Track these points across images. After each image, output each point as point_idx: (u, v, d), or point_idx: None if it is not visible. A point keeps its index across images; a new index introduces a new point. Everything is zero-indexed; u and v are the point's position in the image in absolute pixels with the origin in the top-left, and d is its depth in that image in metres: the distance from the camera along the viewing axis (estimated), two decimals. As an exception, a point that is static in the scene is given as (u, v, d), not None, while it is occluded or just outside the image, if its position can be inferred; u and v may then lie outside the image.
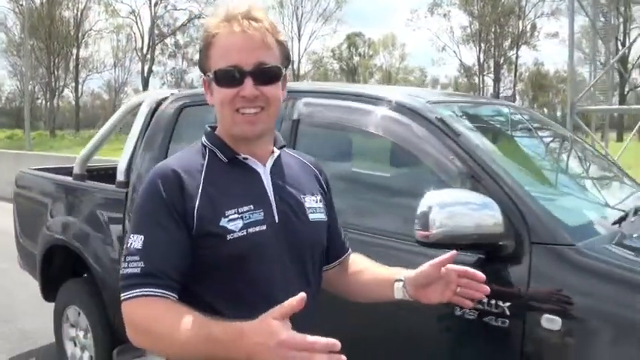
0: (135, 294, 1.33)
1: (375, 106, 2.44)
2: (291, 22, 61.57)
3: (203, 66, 1.49)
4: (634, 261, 1.88)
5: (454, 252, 1.47)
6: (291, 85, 2.95)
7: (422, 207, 1.82)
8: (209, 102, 1.51)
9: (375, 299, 1.66)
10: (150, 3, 51.66)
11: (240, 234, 1.40)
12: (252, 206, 1.43)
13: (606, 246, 1.97)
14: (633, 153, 11.95)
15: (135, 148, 3.49)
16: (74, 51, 52.27)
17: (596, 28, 11.26)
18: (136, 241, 1.37)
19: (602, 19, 13.67)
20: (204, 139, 1.53)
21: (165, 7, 52.04)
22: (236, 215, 1.41)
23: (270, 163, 1.52)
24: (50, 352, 4.25)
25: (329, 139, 2.64)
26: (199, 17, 48.15)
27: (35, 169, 4.61)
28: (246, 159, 1.49)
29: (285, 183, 1.53)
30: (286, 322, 1.15)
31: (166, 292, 1.34)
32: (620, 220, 2.21)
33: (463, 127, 2.23)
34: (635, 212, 2.30)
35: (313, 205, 1.55)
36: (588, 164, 2.97)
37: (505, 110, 2.96)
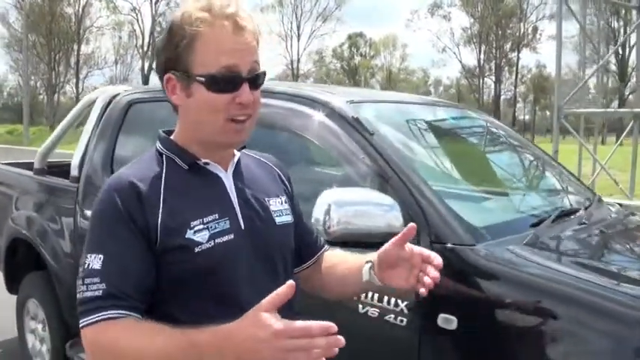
0: (97, 318, 1.23)
1: (296, 104, 2.48)
2: (290, 21, 61.63)
3: (175, 63, 1.35)
4: (527, 262, 1.90)
5: (413, 225, 1.39)
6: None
7: (321, 205, 1.86)
8: (175, 102, 1.39)
9: (351, 291, 1.63)
10: (151, 1, 51.91)
11: (207, 245, 1.32)
12: (216, 215, 1.36)
13: (511, 247, 1.97)
14: (627, 157, 11.91)
15: (88, 142, 3.55)
16: (75, 47, 52.40)
17: (585, 32, 11.28)
18: (94, 261, 1.27)
19: (595, 22, 13.75)
20: (158, 145, 1.44)
21: (168, 3, 52.11)
22: (201, 226, 1.33)
23: (231, 167, 1.45)
24: (15, 345, 4.30)
25: (256, 137, 2.70)
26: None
27: (3, 164, 4.67)
28: (207, 164, 1.41)
29: (248, 187, 1.45)
30: (276, 313, 1.09)
31: (131, 314, 1.24)
32: (539, 222, 2.25)
33: (383, 127, 2.27)
34: (561, 215, 2.35)
35: (279, 208, 1.49)
36: (528, 166, 3.01)
37: (447, 113, 3.01)
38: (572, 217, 2.42)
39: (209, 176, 1.41)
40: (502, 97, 61.40)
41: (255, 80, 1.36)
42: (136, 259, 1.28)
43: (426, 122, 2.65)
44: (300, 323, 1.07)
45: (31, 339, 3.97)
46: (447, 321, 1.82)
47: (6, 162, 4.77)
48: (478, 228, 2.00)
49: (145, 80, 50.52)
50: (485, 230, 2.03)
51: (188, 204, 1.35)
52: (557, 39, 10.87)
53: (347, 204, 1.83)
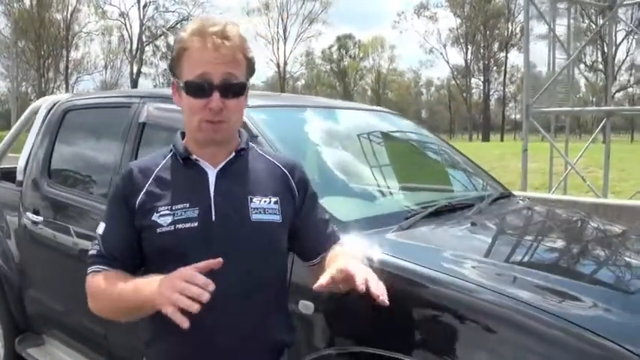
0: (91, 270, 1.62)
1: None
2: (276, 25, 61.73)
3: (174, 71, 1.63)
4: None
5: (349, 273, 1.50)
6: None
7: None
8: (177, 103, 1.66)
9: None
10: (139, 5, 52.00)
11: (167, 228, 1.55)
12: (187, 204, 1.57)
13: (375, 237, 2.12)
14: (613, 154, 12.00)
15: (32, 148, 3.74)
16: (64, 53, 52.53)
17: (554, 32, 11.47)
18: (100, 228, 1.65)
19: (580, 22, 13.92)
20: (173, 141, 1.70)
21: (157, 8, 52.21)
22: (167, 211, 1.57)
23: (222, 164, 1.63)
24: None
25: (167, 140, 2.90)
26: (188, 19, 48.30)
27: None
28: (198, 160, 1.63)
29: (233, 184, 1.61)
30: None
31: (112, 269, 1.59)
32: (411, 216, 2.39)
33: (270, 130, 2.43)
34: (437, 212, 2.50)
35: (261, 206, 1.61)
36: (429, 163, 3.17)
37: (350, 116, 3.23)
38: (461, 211, 2.62)
39: (197, 171, 1.63)
40: (494, 97, 61.75)
41: (227, 89, 1.55)
42: (122, 231, 1.62)
43: (322, 124, 2.85)
44: (188, 269, 1.40)
45: (-13, 337, 4.14)
46: (306, 306, 1.99)
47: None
48: (342, 221, 2.13)
49: (134, 84, 50.59)
50: (354, 223, 2.19)
51: (166, 192, 1.60)
52: (525, 37, 11.09)
53: None
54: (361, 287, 1.45)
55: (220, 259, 1.41)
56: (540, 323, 1.62)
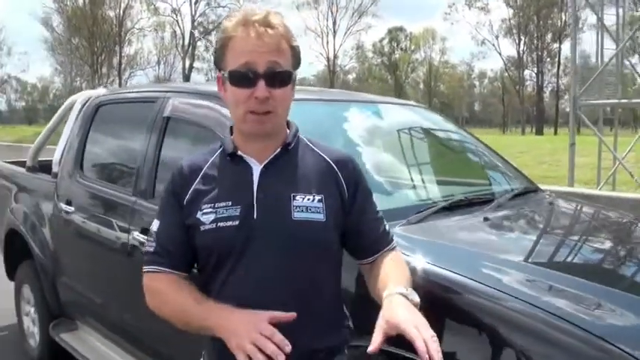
0: (147, 269, 1.63)
1: (200, 100, 2.79)
2: (325, 18, 61.69)
3: (219, 64, 1.58)
4: None
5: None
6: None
7: None
8: (222, 97, 1.62)
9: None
10: (190, 1, 52.73)
11: (209, 226, 1.54)
12: (230, 202, 1.55)
13: None
14: None
15: (67, 141, 3.88)
16: (117, 49, 53.61)
17: (602, 22, 11.11)
18: (154, 225, 1.65)
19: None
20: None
21: (209, 3, 52.77)
22: (210, 209, 1.55)
23: (267, 160, 1.59)
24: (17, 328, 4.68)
25: (190, 134, 2.96)
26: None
27: (7, 162, 5.07)
28: (243, 156, 1.60)
29: (276, 181, 1.57)
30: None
31: (170, 270, 1.60)
32: (423, 210, 2.39)
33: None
34: (453, 206, 2.51)
35: (304, 204, 1.56)
36: (452, 157, 3.14)
37: (366, 108, 3.23)
38: (479, 205, 2.60)
39: (243, 166, 1.59)
40: (548, 89, 60.18)
41: (273, 78, 1.51)
42: (176, 227, 1.61)
43: (335, 117, 2.88)
44: (265, 326, 1.41)
45: (26, 321, 4.33)
46: None
47: (12, 160, 5.16)
48: None
49: (187, 79, 51.44)
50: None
51: (211, 189, 1.58)
52: (573, 27, 10.82)
53: None
54: (422, 352, 1.30)
55: (294, 314, 1.45)
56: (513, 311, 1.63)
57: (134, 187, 3.07)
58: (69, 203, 3.58)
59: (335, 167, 1.64)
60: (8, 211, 4.43)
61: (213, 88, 2.93)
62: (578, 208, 3.20)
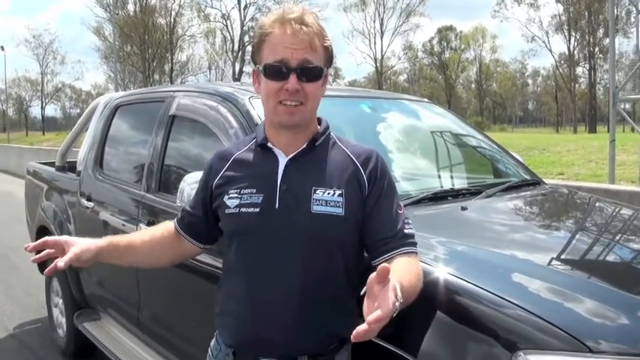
0: (175, 220, 1.92)
1: (208, 100, 2.90)
2: (372, 20, 61.52)
3: (255, 59, 1.68)
4: None
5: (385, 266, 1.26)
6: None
7: (180, 188, 2.25)
8: (256, 91, 1.71)
9: None
10: (239, 7, 53.49)
11: (233, 211, 1.66)
12: (254, 190, 1.65)
13: None
14: None
15: (90, 141, 4.11)
16: (168, 56, 54.84)
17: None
18: (193, 194, 1.94)
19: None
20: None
21: (259, 9, 53.30)
22: (236, 194, 1.67)
23: (294, 153, 1.68)
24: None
25: (193, 131, 3.11)
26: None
27: (39, 162, 5.37)
28: (272, 147, 1.70)
29: (300, 173, 1.65)
30: None
31: (182, 230, 1.87)
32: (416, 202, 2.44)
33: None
34: (439, 197, 2.56)
35: (324, 198, 1.61)
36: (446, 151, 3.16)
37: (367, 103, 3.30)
38: (471, 196, 2.66)
39: (270, 157, 1.69)
40: (602, 86, 58.37)
41: (304, 72, 1.60)
42: (202, 204, 1.81)
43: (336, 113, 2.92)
44: None
45: (55, 312, 4.58)
46: None
47: (44, 161, 5.46)
48: None
49: (237, 83, 51.98)
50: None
51: (239, 176, 1.70)
52: (611, 22, 10.53)
53: (197, 182, 2.04)
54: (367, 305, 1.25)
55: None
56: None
57: (144, 182, 3.24)
58: (89, 199, 3.79)
59: (358, 164, 1.69)
60: (39, 209, 4.69)
61: (215, 86, 3.14)
62: (577, 200, 3.20)
